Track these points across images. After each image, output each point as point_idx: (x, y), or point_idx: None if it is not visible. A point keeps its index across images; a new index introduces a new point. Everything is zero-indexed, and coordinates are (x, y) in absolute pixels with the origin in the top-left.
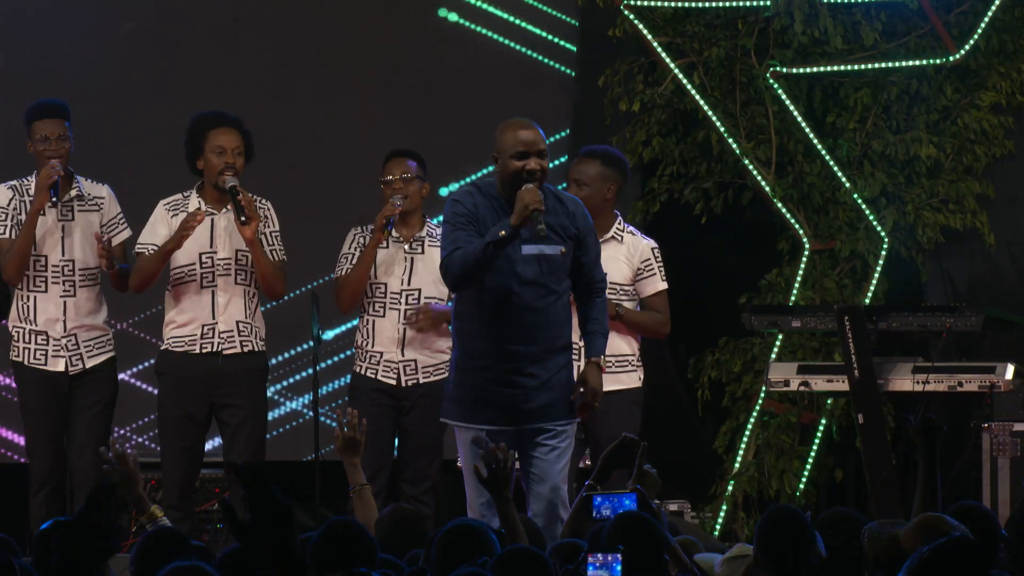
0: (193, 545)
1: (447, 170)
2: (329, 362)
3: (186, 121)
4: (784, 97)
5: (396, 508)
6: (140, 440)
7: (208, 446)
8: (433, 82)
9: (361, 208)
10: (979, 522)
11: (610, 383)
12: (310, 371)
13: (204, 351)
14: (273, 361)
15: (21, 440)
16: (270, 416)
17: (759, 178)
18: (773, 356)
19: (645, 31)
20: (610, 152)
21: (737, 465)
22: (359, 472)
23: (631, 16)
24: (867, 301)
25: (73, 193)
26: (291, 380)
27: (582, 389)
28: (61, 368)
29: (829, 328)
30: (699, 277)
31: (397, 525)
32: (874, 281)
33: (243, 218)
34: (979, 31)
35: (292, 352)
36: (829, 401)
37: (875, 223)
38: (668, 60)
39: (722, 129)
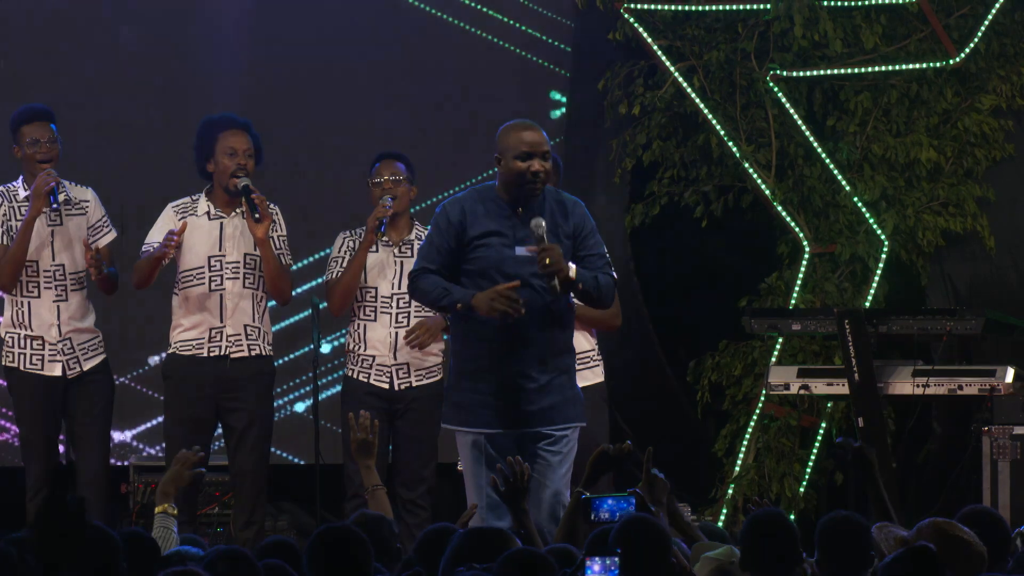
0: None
1: (447, 171)
2: (328, 365)
3: (186, 123)
4: (784, 100)
5: (360, 515)
6: (137, 444)
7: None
8: (431, 85)
9: (357, 212)
10: (988, 526)
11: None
12: (310, 374)
13: (212, 354)
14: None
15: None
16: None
17: (759, 181)
18: (773, 359)
19: (645, 34)
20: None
21: (737, 468)
22: (373, 474)
23: (631, 19)
24: (867, 304)
25: (61, 198)
26: (291, 383)
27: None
28: (58, 372)
29: (829, 331)
30: (699, 280)
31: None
32: (874, 284)
33: (256, 215)
34: (979, 34)
35: (293, 356)
36: (829, 404)
37: (875, 226)
38: (668, 63)
39: (722, 132)
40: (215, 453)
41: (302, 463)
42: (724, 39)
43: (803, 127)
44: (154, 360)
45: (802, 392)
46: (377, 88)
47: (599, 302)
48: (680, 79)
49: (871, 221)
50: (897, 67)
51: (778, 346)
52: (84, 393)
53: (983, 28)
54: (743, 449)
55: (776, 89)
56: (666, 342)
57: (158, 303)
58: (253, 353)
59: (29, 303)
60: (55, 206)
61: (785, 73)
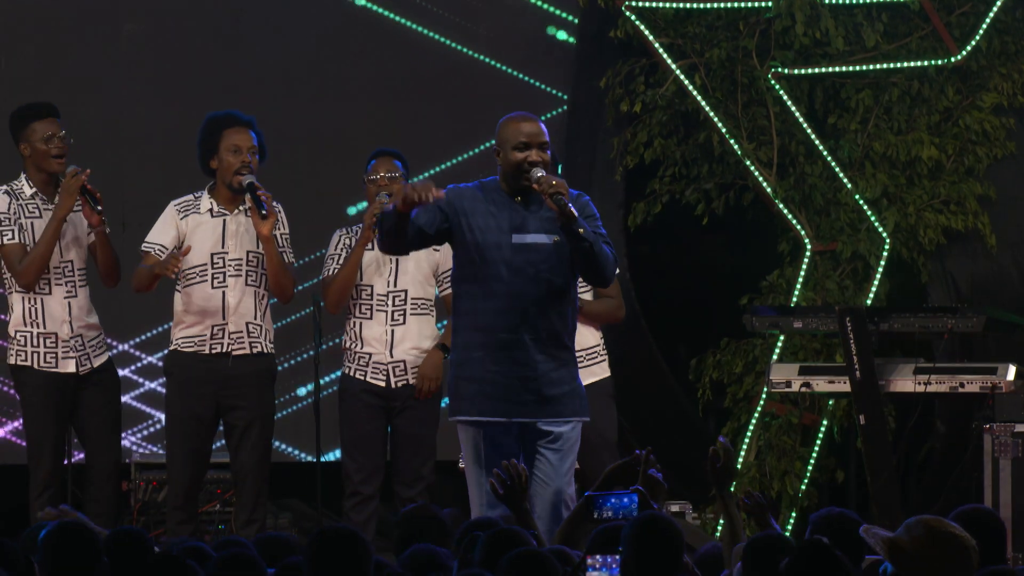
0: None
1: (445, 168)
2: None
3: (187, 121)
4: (786, 98)
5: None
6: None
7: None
8: (430, 84)
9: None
10: (984, 526)
11: (583, 376)
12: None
13: (214, 351)
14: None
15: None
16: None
17: (760, 179)
18: (774, 357)
19: (647, 32)
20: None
21: (739, 466)
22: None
23: (632, 17)
24: (868, 302)
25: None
26: (292, 381)
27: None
28: (72, 369)
29: (830, 329)
30: (700, 278)
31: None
32: (875, 282)
33: (263, 212)
34: (980, 32)
35: (293, 354)
36: (830, 402)
37: (876, 224)
38: (670, 61)
39: (723, 130)
40: (216, 451)
41: (304, 457)
42: (725, 37)
43: (804, 125)
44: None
45: (803, 390)
46: (376, 86)
47: (597, 263)
48: (681, 77)
49: (872, 219)
50: (898, 65)
51: (779, 344)
52: (94, 391)
53: (984, 26)
54: (744, 447)
55: (777, 87)
56: (667, 340)
57: (156, 299)
58: (255, 351)
59: (42, 300)
60: (99, 208)
61: (786, 71)
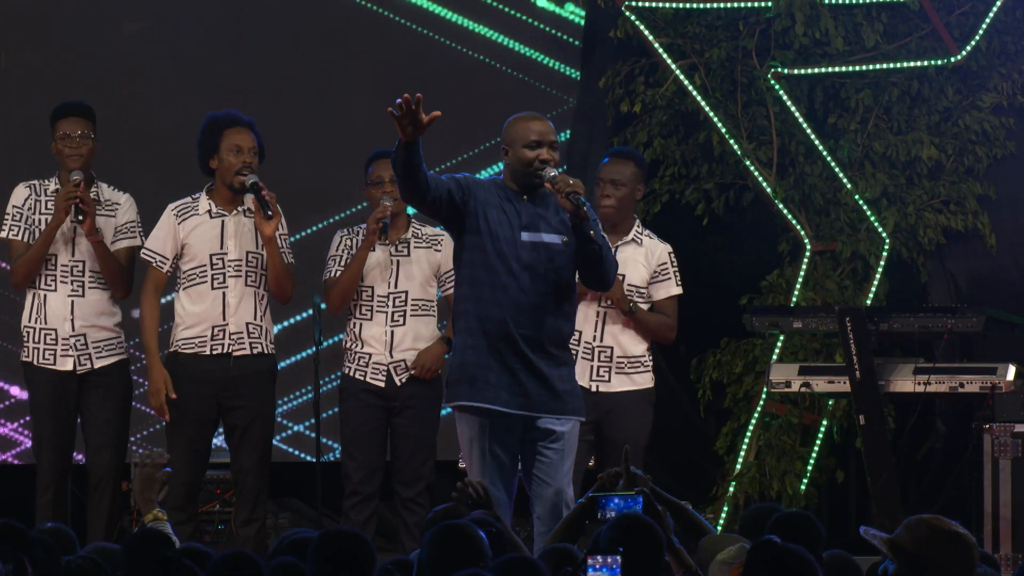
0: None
1: (445, 169)
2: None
3: (187, 121)
4: (785, 98)
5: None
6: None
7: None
8: (430, 82)
9: (358, 210)
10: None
11: (624, 384)
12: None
13: (214, 352)
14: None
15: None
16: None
17: (760, 179)
18: (774, 357)
19: (646, 32)
20: (639, 154)
21: (738, 466)
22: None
23: (632, 17)
24: (868, 302)
25: (90, 196)
26: (293, 381)
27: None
28: (69, 367)
29: (830, 329)
30: (700, 278)
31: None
32: (875, 282)
33: (269, 212)
34: (980, 32)
35: (294, 357)
36: (830, 402)
37: (876, 224)
38: (669, 61)
39: (723, 130)
40: (216, 451)
41: (305, 457)
42: (725, 37)
43: (804, 125)
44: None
45: (803, 390)
46: (374, 85)
47: (603, 267)
48: (681, 77)
49: (872, 219)
50: (898, 65)
51: (779, 344)
52: (94, 393)
53: (984, 26)
54: (744, 447)
55: (777, 87)
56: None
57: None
58: (255, 351)
59: (45, 296)
60: (78, 219)
61: (786, 71)
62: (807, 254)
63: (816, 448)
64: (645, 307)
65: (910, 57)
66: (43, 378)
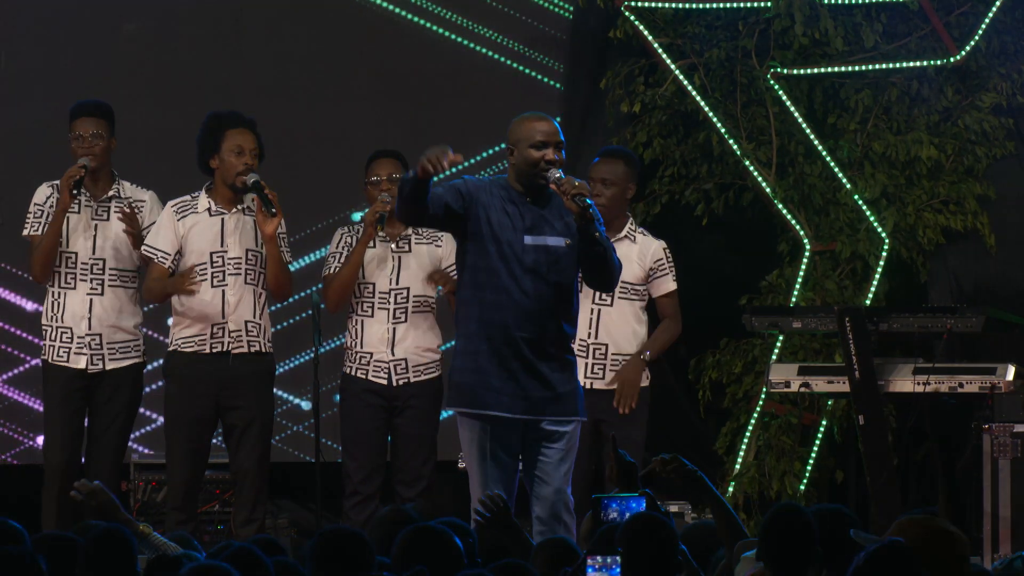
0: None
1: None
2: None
3: (187, 121)
4: (785, 98)
5: (394, 509)
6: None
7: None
8: (427, 83)
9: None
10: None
11: None
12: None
13: (214, 351)
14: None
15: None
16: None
17: (760, 179)
18: (774, 357)
19: (646, 32)
20: (630, 152)
21: (738, 466)
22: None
23: (632, 17)
24: (868, 302)
25: (111, 193)
26: (292, 381)
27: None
28: (82, 366)
29: (830, 329)
30: (700, 278)
31: (396, 526)
32: (875, 282)
33: (272, 210)
34: (980, 32)
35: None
36: (830, 402)
37: (876, 224)
38: (669, 61)
39: (723, 130)
40: (215, 450)
41: (304, 457)
42: (725, 37)
43: (804, 125)
44: None
45: (803, 390)
46: (376, 86)
47: (607, 268)
48: (681, 77)
49: (872, 219)
50: (897, 65)
51: (779, 344)
52: (103, 393)
53: (984, 26)
54: (744, 447)
55: (777, 87)
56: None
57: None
58: (253, 350)
59: (64, 294)
60: (75, 192)
61: (786, 71)
62: (806, 254)
63: (815, 448)
64: (640, 303)
65: (909, 57)
66: (56, 375)
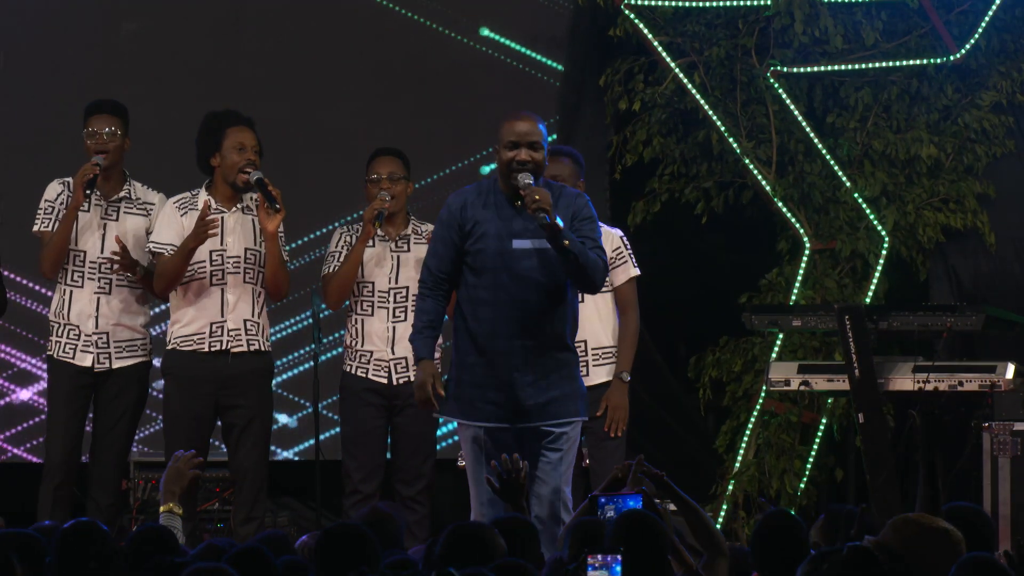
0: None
1: (443, 167)
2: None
3: (186, 121)
4: (785, 96)
5: (372, 509)
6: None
7: None
8: (427, 81)
9: (357, 208)
10: (972, 524)
11: (601, 375)
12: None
13: (213, 349)
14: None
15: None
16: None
17: (760, 178)
18: (774, 356)
19: (646, 30)
20: (573, 150)
21: (738, 464)
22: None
23: (632, 15)
24: (868, 300)
25: (121, 194)
26: (292, 384)
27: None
28: (88, 364)
29: (830, 327)
30: (700, 276)
31: (372, 527)
32: (875, 280)
33: (276, 206)
34: (980, 30)
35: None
36: (830, 400)
37: (876, 222)
38: (669, 59)
39: (723, 128)
40: (215, 449)
41: (301, 459)
42: (724, 35)
43: (803, 123)
44: None
45: (802, 388)
46: (373, 84)
47: (585, 273)
48: (680, 75)
49: (871, 217)
50: (897, 63)
51: (778, 342)
52: (107, 392)
53: (984, 24)
54: (743, 445)
55: (776, 85)
56: (666, 338)
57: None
58: (252, 348)
59: (72, 292)
60: (88, 193)
61: (785, 69)
62: (806, 252)
63: (815, 447)
64: (609, 294)
65: (909, 55)
66: (61, 371)
